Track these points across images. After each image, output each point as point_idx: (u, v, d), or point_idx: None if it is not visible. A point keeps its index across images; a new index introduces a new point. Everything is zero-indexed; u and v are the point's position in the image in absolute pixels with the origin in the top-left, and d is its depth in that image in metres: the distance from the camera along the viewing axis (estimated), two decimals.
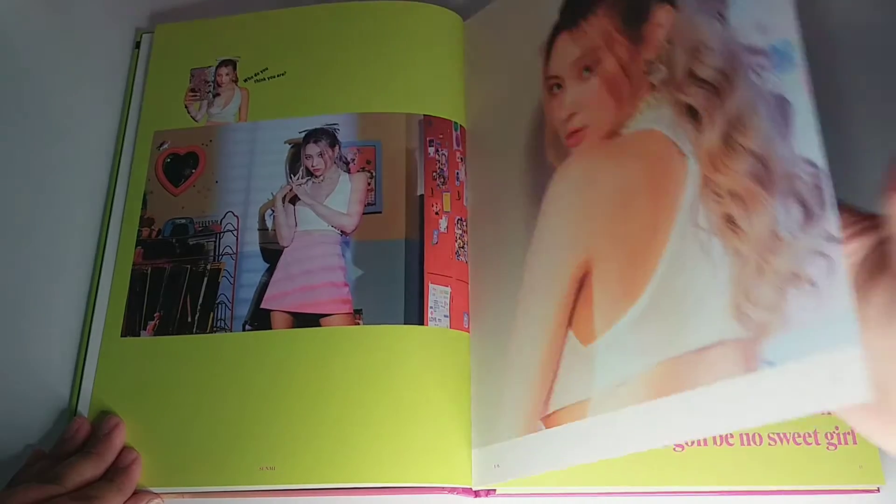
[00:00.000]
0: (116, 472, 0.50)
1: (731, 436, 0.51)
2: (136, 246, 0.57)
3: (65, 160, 0.61)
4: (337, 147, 0.58)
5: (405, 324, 0.53)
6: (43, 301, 0.57)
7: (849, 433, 0.51)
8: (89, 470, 0.50)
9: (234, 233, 0.57)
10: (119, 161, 0.60)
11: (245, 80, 0.61)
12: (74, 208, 0.60)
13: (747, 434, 0.51)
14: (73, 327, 0.56)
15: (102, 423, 0.52)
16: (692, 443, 0.50)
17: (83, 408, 0.53)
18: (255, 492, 0.51)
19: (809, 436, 0.51)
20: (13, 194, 0.60)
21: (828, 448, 0.51)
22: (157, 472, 0.51)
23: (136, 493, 0.51)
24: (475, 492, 0.51)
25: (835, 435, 0.51)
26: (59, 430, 0.53)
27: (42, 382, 0.55)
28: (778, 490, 0.50)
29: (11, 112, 0.63)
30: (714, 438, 0.51)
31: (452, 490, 0.50)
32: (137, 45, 0.65)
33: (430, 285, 0.54)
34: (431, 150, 0.57)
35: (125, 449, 0.52)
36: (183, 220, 0.58)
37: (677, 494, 0.51)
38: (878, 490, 0.50)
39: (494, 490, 0.51)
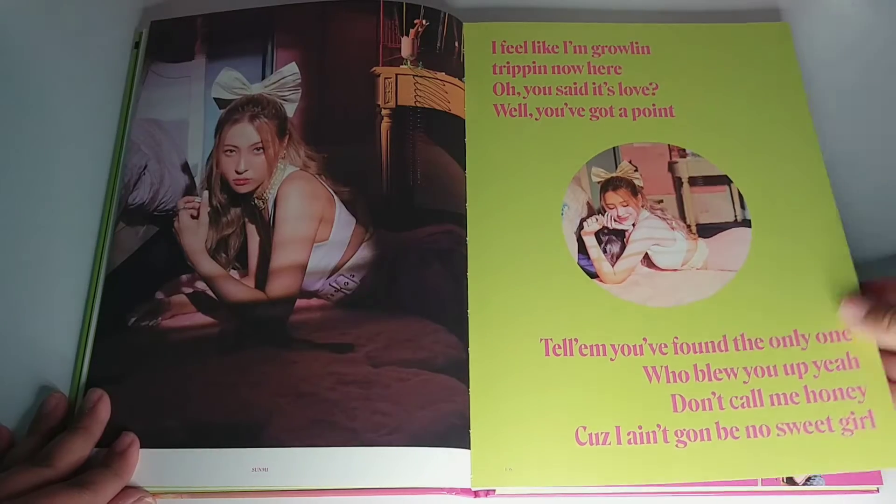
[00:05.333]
0: (112, 456, 0.49)
1: (737, 428, 0.50)
2: None
3: (65, 159, 0.61)
4: None
5: None
6: (45, 293, 0.57)
7: (866, 417, 0.50)
8: (78, 446, 0.49)
9: None
10: (119, 160, 0.60)
11: None
12: (75, 206, 0.59)
13: (753, 425, 0.50)
14: (74, 320, 0.56)
15: (86, 396, 0.51)
16: (696, 437, 0.50)
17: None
18: (250, 492, 0.51)
19: (822, 423, 0.50)
20: (15, 192, 0.60)
21: (843, 434, 0.50)
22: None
23: (126, 489, 0.49)
24: (475, 492, 0.51)
25: (850, 420, 0.50)
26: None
27: (42, 370, 0.54)
28: (778, 490, 0.50)
29: (12, 112, 0.63)
30: (719, 431, 0.50)
31: (451, 490, 0.50)
32: (136, 44, 0.64)
33: None
34: None
35: (122, 432, 0.50)
36: None
37: (678, 494, 0.51)
38: (878, 490, 0.50)
39: (494, 490, 0.51)
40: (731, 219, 0.57)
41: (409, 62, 0.61)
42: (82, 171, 0.60)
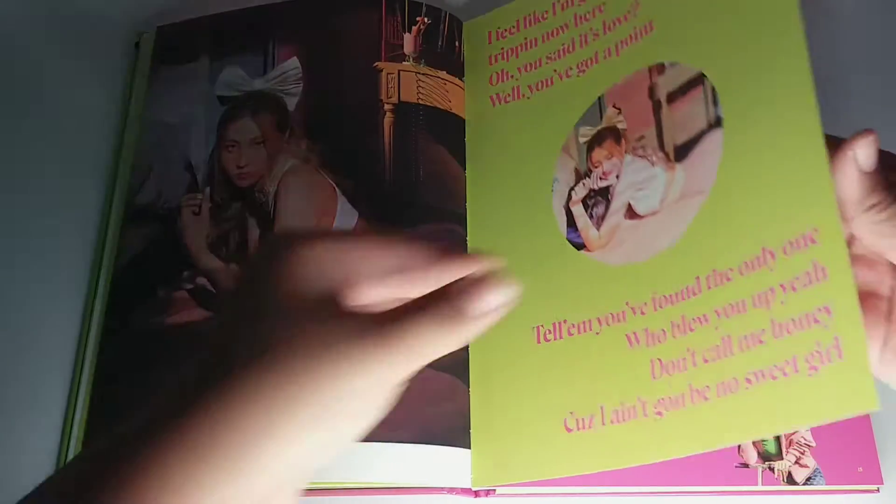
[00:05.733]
0: None
1: (708, 388, 0.44)
2: None
3: (65, 161, 0.61)
4: None
5: None
6: (42, 298, 0.57)
7: (832, 346, 0.40)
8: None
9: None
10: (120, 161, 0.60)
11: None
12: (74, 208, 0.59)
13: (723, 381, 0.44)
14: (73, 323, 0.56)
15: None
16: (672, 405, 0.45)
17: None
18: None
19: (788, 363, 0.41)
20: (13, 194, 0.60)
21: (809, 374, 0.40)
22: None
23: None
24: (475, 492, 0.50)
25: (815, 354, 0.40)
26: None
27: (44, 370, 0.54)
28: (778, 490, 0.50)
29: (11, 113, 0.62)
30: (691, 395, 0.45)
31: (452, 490, 0.50)
32: (137, 45, 0.64)
33: None
34: None
35: None
36: None
37: (678, 495, 0.51)
38: (878, 490, 0.50)
39: (494, 490, 0.51)
40: (705, 123, 0.49)
41: (411, 59, 0.61)
42: (82, 174, 0.60)
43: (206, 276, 0.55)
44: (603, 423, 0.48)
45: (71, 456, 0.52)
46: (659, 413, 0.46)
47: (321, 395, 0.30)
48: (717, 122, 0.49)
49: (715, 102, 0.49)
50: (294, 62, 0.61)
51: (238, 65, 0.61)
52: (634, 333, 0.48)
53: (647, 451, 0.47)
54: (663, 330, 0.47)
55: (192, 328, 0.54)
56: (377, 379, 0.31)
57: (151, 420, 0.30)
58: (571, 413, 0.49)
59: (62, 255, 0.58)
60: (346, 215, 0.56)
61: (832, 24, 0.66)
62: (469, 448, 0.50)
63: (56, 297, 0.56)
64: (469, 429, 0.51)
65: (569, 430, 0.49)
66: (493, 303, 0.33)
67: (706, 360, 0.45)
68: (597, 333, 0.50)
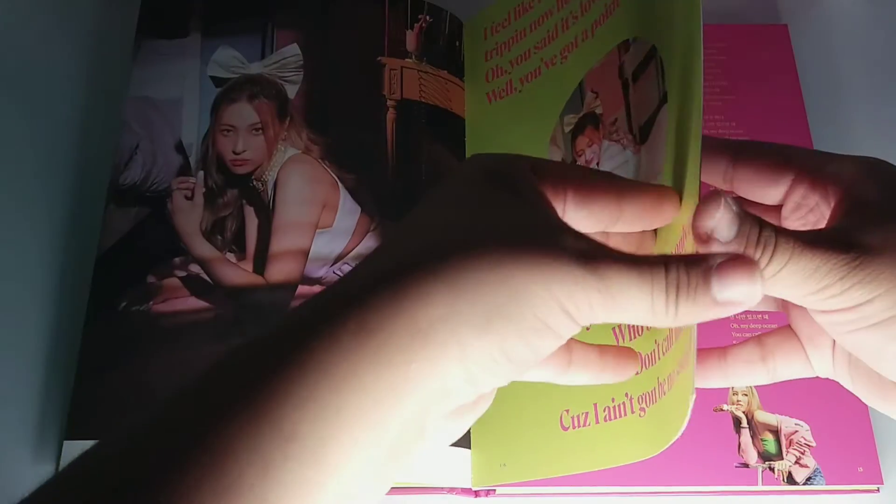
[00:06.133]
0: None
1: (666, 379, 0.42)
2: None
3: (67, 162, 0.58)
4: None
5: None
6: (43, 295, 0.54)
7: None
8: None
9: None
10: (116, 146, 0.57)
11: None
12: (75, 210, 0.57)
13: (671, 372, 0.42)
14: (57, 307, 0.54)
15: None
16: (649, 401, 0.44)
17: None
18: None
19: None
20: (14, 196, 0.57)
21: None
22: None
23: None
24: (475, 492, 0.49)
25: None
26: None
27: (28, 359, 0.52)
28: (778, 490, 0.51)
29: (13, 114, 0.60)
30: (661, 389, 0.43)
31: (452, 490, 0.49)
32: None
33: None
34: None
35: None
36: None
37: (678, 495, 0.51)
38: (878, 490, 0.51)
39: (494, 490, 0.50)
40: (657, 100, 0.45)
41: (413, 56, 0.60)
42: (84, 174, 0.58)
43: (200, 263, 0.53)
44: (597, 421, 0.47)
45: (53, 451, 0.49)
46: (642, 410, 0.45)
47: (525, 298, 0.28)
48: (664, 98, 0.44)
49: (663, 77, 0.45)
50: (294, 48, 0.59)
51: (233, 46, 0.59)
52: (620, 328, 0.47)
53: (637, 448, 0.45)
54: None
55: (185, 317, 0.51)
56: (571, 302, 0.29)
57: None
58: (567, 411, 0.48)
59: (63, 256, 0.55)
60: (348, 210, 0.55)
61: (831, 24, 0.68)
62: (469, 448, 0.49)
63: (28, 278, 0.54)
64: (469, 429, 0.50)
65: (564, 428, 0.48)
66: (722, 295, 0.28)
67: (664, 352, 0.44)
68: (587, 329, 0.49)
